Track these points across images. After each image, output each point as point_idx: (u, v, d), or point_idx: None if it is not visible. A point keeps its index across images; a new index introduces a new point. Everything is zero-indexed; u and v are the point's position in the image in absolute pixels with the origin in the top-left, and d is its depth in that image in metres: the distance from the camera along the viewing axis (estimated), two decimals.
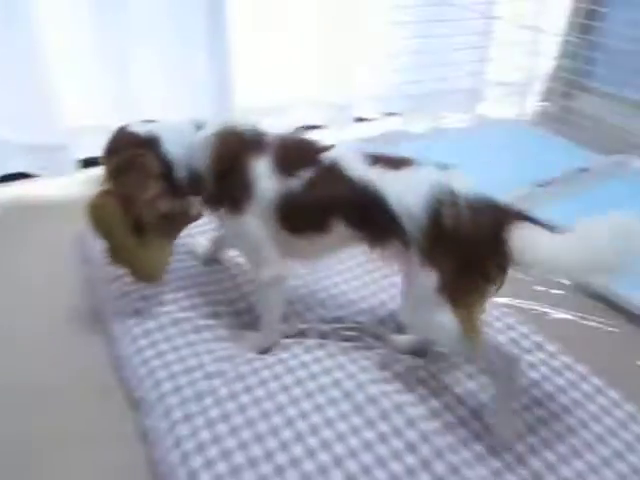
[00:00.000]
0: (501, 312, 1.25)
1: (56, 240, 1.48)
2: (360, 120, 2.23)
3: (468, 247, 0.88)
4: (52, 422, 1.03)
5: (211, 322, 1.18)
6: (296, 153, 1.02)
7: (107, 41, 1.61)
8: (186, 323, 1.17)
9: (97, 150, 1.75)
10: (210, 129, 1.03)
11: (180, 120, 1.09)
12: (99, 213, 1.08)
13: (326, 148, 1.02)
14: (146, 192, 1.02)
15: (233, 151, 1.01)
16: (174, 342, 1.12)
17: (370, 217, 0.96)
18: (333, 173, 0.97)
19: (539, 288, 1.43)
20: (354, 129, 2.17)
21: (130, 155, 1.04)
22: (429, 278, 0.90)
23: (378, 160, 0.97)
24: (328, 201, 0.98)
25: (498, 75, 2.19)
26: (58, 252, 1.45)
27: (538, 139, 2.13)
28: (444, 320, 0.90)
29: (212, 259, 1.35)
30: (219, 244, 1.33)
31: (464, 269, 0.89)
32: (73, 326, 1.24)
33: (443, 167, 0.96)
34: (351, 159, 0.98)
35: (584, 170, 1.92)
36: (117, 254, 1.12)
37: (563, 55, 2.22)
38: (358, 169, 0.96)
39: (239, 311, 1.22)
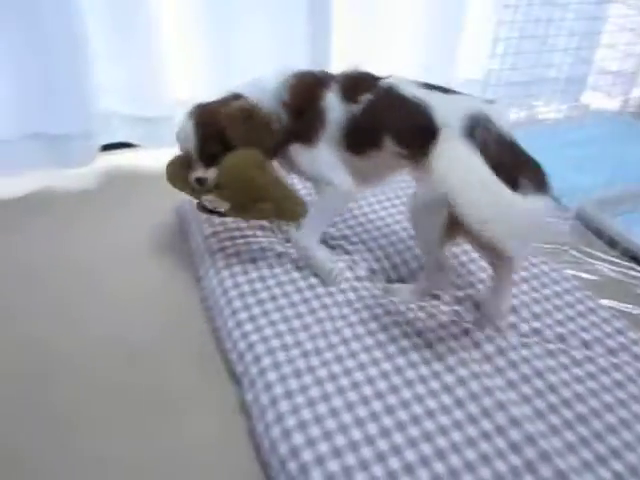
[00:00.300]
0: (610, 315, 1.19)
1: (157, 209, 1.53)
2: None
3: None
4: (151, 385, 1.07)
5: (307, 295, 1.19)
6: (358, 82, 1.17)
7: (213, 20, 1.64)
8: (283, 299, 1.18)
9: None
10: (285, 74, 1.19)
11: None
12: (241, 165, 1.16)
13: (384, 77, 1.16)
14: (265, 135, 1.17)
15: (306, 88, 1.18)
16: (271, 317, 1.13)
17: (417, 134, 1.07)
18: (388, 95, 1.12)
19: None
20: None
21: (241, 109, 1.16)
22: None
23: (430, 86, 1.12)
24: (382, 119, 1.12)
25: (604, 63, 2.06)
26: (159, 221, 1.50)
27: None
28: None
29: None
30: None
31: None
32: (175, 295, 1.28)
33: (489, 101, 1.13)
34: (405, 83, 1.12)
35: None
36: (261, 199, 1.17)
37: None
38: (410, 91, 1.10)
39: (336, 289, 1.21)
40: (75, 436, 0.97)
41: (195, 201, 1.25)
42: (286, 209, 1.18)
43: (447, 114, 1.04)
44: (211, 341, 1.17)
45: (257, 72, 1.67)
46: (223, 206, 1.17)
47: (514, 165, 0.99)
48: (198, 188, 1.19)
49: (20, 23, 1.42)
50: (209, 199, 1.17)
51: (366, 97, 1.13)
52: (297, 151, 1.20)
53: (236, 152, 1.15)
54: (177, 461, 0.94)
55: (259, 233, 1.36)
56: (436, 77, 1.99)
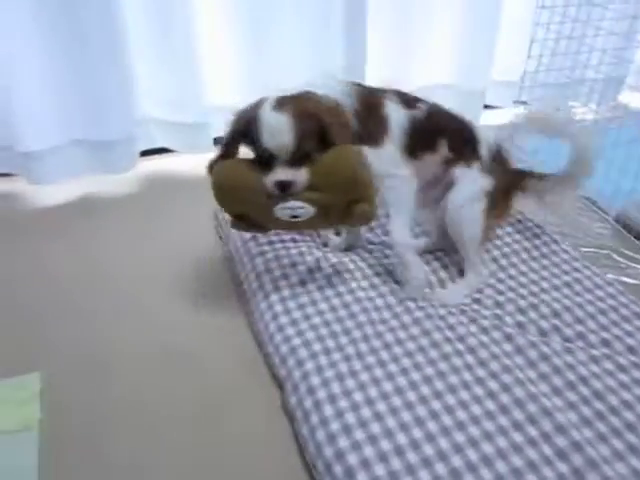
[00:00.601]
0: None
1: (196, 213, 1.56)
2: (488, 107, 2.16)
3: (507, 176, 1.28)
4: (197, 390, 1.09)
5: (346, 300, 1.20)
6: (404, 94, 1.23)
7: (248, 27, 1.66)
8: (323, 303, 1.19)
9: None
10: (340, 82, 1.18)
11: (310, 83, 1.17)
12: (348, 163, 1.07)
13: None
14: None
15: (371, 97, 1.18)
16: (312, 321, 1.14)
17: (464, 142, 1.24)
18: (437, 106, 1.24)
19: None
20: (483, 116, 2.11)
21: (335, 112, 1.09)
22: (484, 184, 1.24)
23: None
24: (441, 124, 1.23)
25: None
26: (198, 225, 1.53)
27: None
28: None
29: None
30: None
31: (502, 187, 1.26)
32: (216, 293, 1.31)
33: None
34: None
35: None
36: (361, 200, 1.08)
37: None
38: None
39: (375, 294, 1.22)
40: (122, 438, 1.00)
41: (230, 218, 1.17)
42: (375, 209, 1.12)
43: (482, 132, 1.28)
44: (253, 346, 1.18)
45: (290, 78, 1.72)
46: (308, 213, 1.06)
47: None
48: (277, 194, 1.05)
49: (63, 31, 1.46)
50: (294, 205, 1.04)
51: (423, 104, 1.21)
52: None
53: (338, 149, 1.06)
54: (223, 461, 0.96)
55: (298, 237, 1.37)
56: (472, 79, 2.01)
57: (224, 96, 1.75)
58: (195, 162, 1.75)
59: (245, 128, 1.07)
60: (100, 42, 1.50)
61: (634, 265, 1.43)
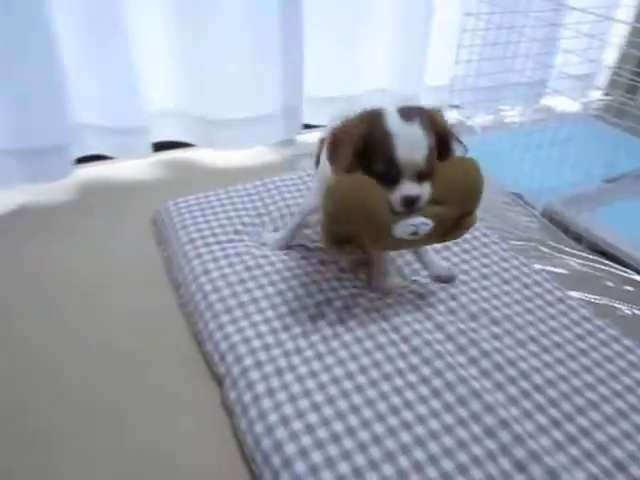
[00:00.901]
0: (577, 303, 1.25)
1: (134, 219, 1.55)
2: None
3: None
4: (138, 388, 1.08)
5: (288, 297, 1.22)
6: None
7: (187, 33, 1.66)
8: (264, 301, 1.20)
9: (170, 134, 1.84)
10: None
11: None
12: (474, 173, 1.05)
13: None
14: None
15: None
16: (253, 319, 1.16)
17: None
18: None
19: (610, 284, 1.42)
20: None
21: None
22: None
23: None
24: None
25: (564, 67, 2.15)
26: (137, 231, 1.51)
27: (604, 133, 2.08)
28: None
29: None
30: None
31: None
32: (155, 295, 1.30)
33: None
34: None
35: None
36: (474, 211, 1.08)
37: (631, 45, 2.17)
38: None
39: (315, 289, 1.25)
40: (58, 439, 0.98)
41: (329, 240, 1.04)
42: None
43: None
44: (193, 345, 1.19)
45: (226, 82, 1.74)
46: (429, 228, 1.00)
47: None
48: (402, 210, 0.99)
49: None
50: (418, 222, 0.99)
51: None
52: None
53: (459, 160, 1.04)
54: (163, 460, 0.96)
55: (235, 237, 1.39)
56: (406, 84, 2.07)
57: (162, 100, 1.74)
58: (133, 168, 1.77)
59: (366, 144, 0.98)
60: (30, 47, 1.46)
61: (559, 255, 1.51)
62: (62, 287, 1.32)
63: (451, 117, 2.08)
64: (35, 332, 1.20)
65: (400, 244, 1.05)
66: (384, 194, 0.99)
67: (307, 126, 2.04)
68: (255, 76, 1.79)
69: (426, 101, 2.17)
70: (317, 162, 1.31)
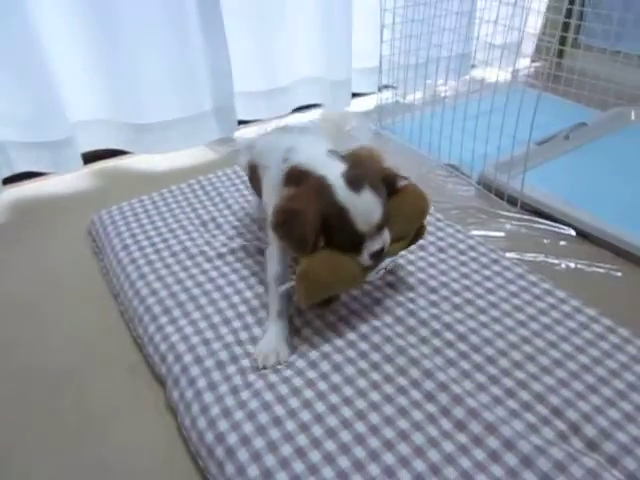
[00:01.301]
0: (511, 263, 1.27)
1: (70, 233, 1.52)
2: (356, 95, 2.25)
3: None
4: (82, 401, 1.06)
5: (226, 291, 1.21)
6: None
7: (103, 36, 1.63)
8: (202, 297, 1.20)
9: (100, 143, 1.81)
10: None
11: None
12: (423, 205, 1.13)
13: None
14: None
15: None
16: (192, 316, 1.15)
17: None
18: None
19: (546, 241, 1.45)
20: (352, 105, 2.20)
21: None
22: None
23: None
24: None
25: (489, 37, 2.18)
26: (73, 244, 1.48)
27: (534, 99, 2.13)
28: None
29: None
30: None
31: None
32: (95, 307, 1.28)
33: None
34: None
35: (583, 125, 1.92)
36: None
37: (553, 11, 2.22)
38: None
39: (255, 282, 1.24)
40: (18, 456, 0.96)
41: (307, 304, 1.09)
42: None
43: None
44: (135, 351, 1.17)
45: (152, 85, 1.72)
46: (395, 261, 1.11)
47: None
48: (371, 264, 1.03)
49: None
50: (386, 264, 1.05)
51: None
52: None
53: (401, 193, 1.09)
54: (113, 466, 0.95)
55: (169, 237, 1.38)
56: (336, 70, 2.08)
57: (87, 110, 1.71)
58: (65, 182, 1.73)
59: (324, 223, 0.99)
60: None
61: (496, 220, 1.54)
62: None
63: (385, 98, 2.11)
64: None
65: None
66: (353, 260, 1.02)
67: (243, 122, 2.03)
68: (181, 77, 1.77)
69: (357, 84, 2.21)
70: (252, 186, 1.33)
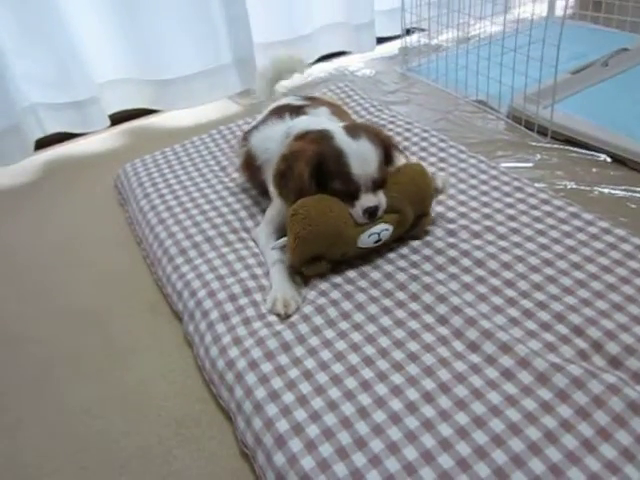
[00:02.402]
0: (535, 189, 1.21)
1: (99, 188, 1.56)
2: (381, 41, 2.18)
3: None
4: (107, 336, 1.11)
5: (243, 235, 1.21)
6: None
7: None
8: (218, 239, 1.20)
9: (124, 103, 1.83)
10: None
11: None
12: (423, 175, 1.11)
13: None
14: None
15: None
16: (207, 256, 1.15)
17: None
18: None
19: (578, 169, 1.37)
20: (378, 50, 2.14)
21: None
22: None
23: None
24: None
25: None
26: (102, 198, 1.52)
27: (572, 30, 2.00)
28: None
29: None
30: None
31: None
32: (121, 253, 1.32)
33: None
34: None
35: (624, 50, 1.79)
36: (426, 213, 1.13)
37: None
38: None
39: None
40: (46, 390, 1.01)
41: (300, 265, 1.06)
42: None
43: None
44: (156, 291, 1.19)
45: (172, 40, 1.72)
46: (390, 234, 1.05)
47: None
48: (365, 222, 1.03)
49: None
50: (381, 229, 1.04)
51: None
52: None
53: (411, 167, 1.12)
54: (134, 395, 0.98)
55: (189, 184, 1.39)
56: (360, 14, 2.02)
57: (112, 70, 1.74)
58: (94, 142, 1.77)
59: (321, 165, 1.01)
60: None
61: (525, 151, 1.46)
62: (31, 253, 1.35)
63: (409, 41, 2.03)
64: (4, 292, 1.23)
65: (364, 251, 1.07)
66: (346, 209, 1.03)
67: None
68: (199, 29, 1.77)
69: (381, 28, 2.13)
70: (248, 179, 1.32)
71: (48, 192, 1.59)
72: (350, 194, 1.03)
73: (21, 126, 1.61)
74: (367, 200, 1.02)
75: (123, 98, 1.81)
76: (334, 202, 1.02)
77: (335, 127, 1.06)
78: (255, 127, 1.28)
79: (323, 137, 1.03)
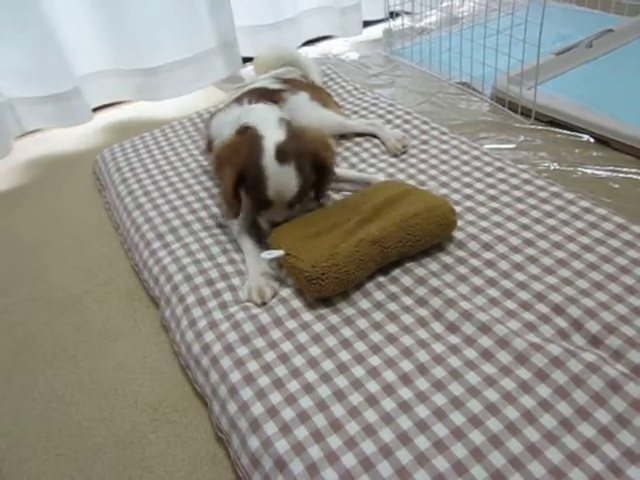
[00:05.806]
0: (517, 170, 1.19)
1: (77, 177, 1.53)
2: (367, 25, 2.16)
3: None
4: (83, 321, 1.09)
5: (221, 220, 1.19)
6: None
7: None
8: (196, 224, 1.18)
9: (108, 95, 1.78)
10: None
11: None
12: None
13: None
14: None
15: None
16: (185, 240, 1.13)
17: None
18: None
19: (560, 149, 1.35)
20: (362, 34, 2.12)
21: None
22: None
23: None
24: None
25: None
26: (81, 185, 1.50)
27: (556, 12, 1.99)
28: None
29: None
30: None
31: None
32: (99, 239, 1.30)
33: None
34: None
35: (609, 31, 1.77)
36: None
37: None
38: None
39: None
40: (19, 377, 0.99)
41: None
42: None
43: None
44: (133, 276, 1.17)
45: (153, 28, 1.68)
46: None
47: None
48: (266, 229, 1.06)
49: None
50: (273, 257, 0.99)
51: None
52: None
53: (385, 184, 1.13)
54: (109, 381, 0.97)
55: (167, 169, 1.36)
56: None
57: (94, 62, 1.70)
58: (75, 134, 1.73)
59: (244, 176, 1.02)
60: None
61: (507, 132, 1.45)
62: (7, 239, 1.33)
63: (399, 25, 2.00)
64: None
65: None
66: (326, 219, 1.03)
67: (250, 59, 1.97)
68: (182, 16, 1.72)
69: (367, 10, 2.10)
70: (206, 150, 1.29)
71: (27, 178, 1.55)
72: (262, 207, 1.04)
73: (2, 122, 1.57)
74: (276, 214, 1.03)
75: (107, 90, 1.77)
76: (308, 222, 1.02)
77: (271, 140, 1.01)
78: (218, 111, 1.27)
79: (253, 150, 1.01)
